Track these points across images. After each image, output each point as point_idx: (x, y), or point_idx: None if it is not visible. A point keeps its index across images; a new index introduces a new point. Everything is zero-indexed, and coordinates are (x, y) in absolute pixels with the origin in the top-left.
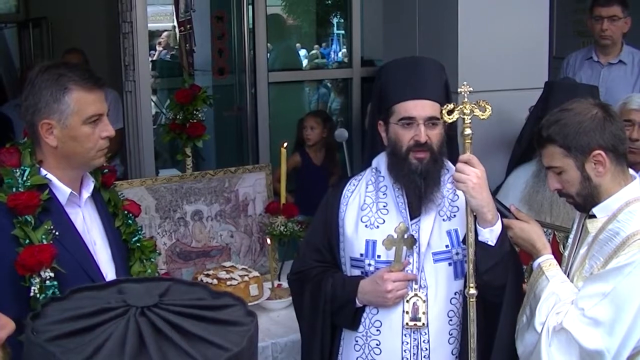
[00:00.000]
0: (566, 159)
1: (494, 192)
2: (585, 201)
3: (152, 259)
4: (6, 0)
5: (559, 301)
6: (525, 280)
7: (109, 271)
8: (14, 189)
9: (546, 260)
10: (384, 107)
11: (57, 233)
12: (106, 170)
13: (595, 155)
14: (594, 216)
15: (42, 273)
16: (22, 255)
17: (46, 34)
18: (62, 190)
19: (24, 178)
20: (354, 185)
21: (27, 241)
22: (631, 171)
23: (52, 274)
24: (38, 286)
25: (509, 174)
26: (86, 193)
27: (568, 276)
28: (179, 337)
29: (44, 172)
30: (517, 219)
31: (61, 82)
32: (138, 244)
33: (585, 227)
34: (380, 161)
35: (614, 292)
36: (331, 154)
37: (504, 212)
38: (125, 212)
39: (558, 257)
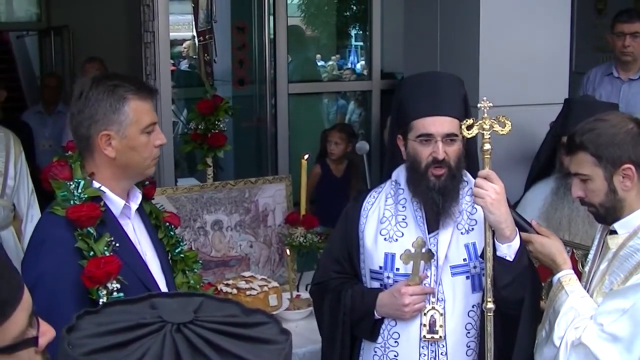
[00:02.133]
0: (595, 168)
1: (513, 208)
2: (607, 213)
3: (195, 270)
4: (27, 8)
5: (578, 316)
6: (544, 296)
7: (160, 282)
8: (71, 202)
9: (566, 275)
10: (402, 122)
11: (117, 245)
12: (147, 183)
13: (625, 169)
14: (615, 232)
15: (108, 285)
16: (88, 267)
17: (67, 42)
18: (116, 202)
19: (79, 190)
20: (373, 197)
21: (91, 253)
22: None
23: (118, 286)
24: (105, 298)
25: (527, 190)
26: (134, 205)
27: (588, 291)
28: (214, 355)
29: (96, 184)
30: (538, 233)
31: (118, 92)
32: (181, 255)
33: (606, 243)
34: (400, 174)
35: (633, 309)
36: (352, 166)
37: (525, 226)
38: (167, 223)
39: (577, 274)
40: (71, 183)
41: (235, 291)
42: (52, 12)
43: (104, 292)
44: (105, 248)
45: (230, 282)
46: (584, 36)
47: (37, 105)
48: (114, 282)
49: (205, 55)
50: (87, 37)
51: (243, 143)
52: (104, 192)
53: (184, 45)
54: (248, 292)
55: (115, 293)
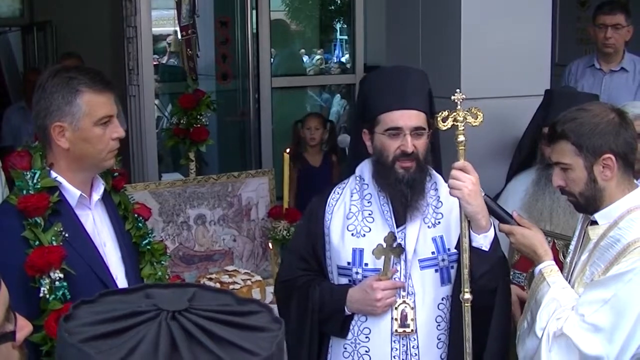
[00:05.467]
0: (576, 157)
1: (494, 199)
2: (587, 202)
3: (162, 262)
4: (10, 3)
5: (560, 307)
6: (526, 287)
7: (118, 273)
8: (24, 192)
9: (547, 267)
10: (369, 116)
11: (66, 235)
12: (116, 174)
13: (606, 158)
14: (595, 223)
15: (51, 274)
16: (31, 256)
17: (50, 37)
18: (72, 193)
19: (34, 181)
20: (338, 193)
21: (37, 243)
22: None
23: (61, 275)
24: (47, 287)
25: (508, 181)
26: (96, 195)
27: (569, 282)
28: (210, 342)
29: (54, 174)
30: (519, 225)
31: (72, 84)
32: (148, 247)
33: (587, 234)
34: (364, 169)
35: (614, 299)
36: (330, 155)
37: (506, 218)
38: (136, 215)
39: (558, 265)
40: (28, 173)
41: (218, 285)
42: (35, 8)
43: (47, 280)
44: (54, 238)
45: (213, 276)
46: (567, 28)
47: (21, 102)
48: (57, 271)
49: (188, 50)
50: (70, 32)
51: (227, 137)
52: (60, 183)
53: (168, 39)
54: (231, 286)
55: (57, 282)
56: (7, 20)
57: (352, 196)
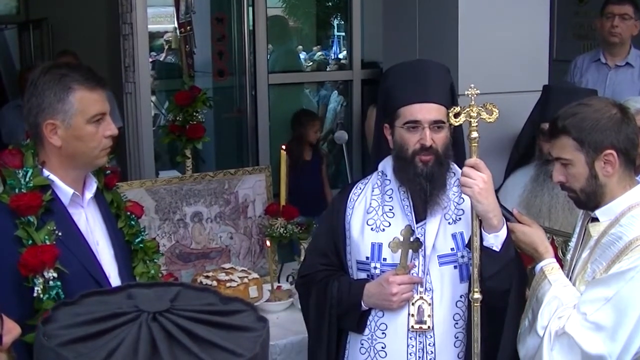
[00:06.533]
0: (577, 152)
1: None
2: (588, 199)
3: (155, 260)
4: (7, 1)
5: (561, 305)
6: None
7: (111, 271)
8: (17, 190)
9: (548, 264)
10: (389, 110)
11: (60, 234)
12: (108, 172)
13: (607, 154)
14: (596, 219)
15: (45, 273)
16: (24, 255)
17: (46, 35)
18: (65, 191)
19: (27, 179)
20: (360, 189)
21: (30, 242)
22: None
23: (55, 274)
24: (41, 287)
25: (506, 178)
26: (89, 194)
27: (570, 280)
28: (191, 343)
29: (46, 173)
30: (519, 222)
31: (64, 82)
32: (141, 245)
33: (588, 231)
34: (387, 165)
35: (616, 297)
36: (316, 147)
37: (506, 215)
38: (128, 213)
39: (557, 261)
40: (20, 171)
41: (215, 283)
42: (31, 5)
43: (40, 280)
44: (47, 237)
45: (210, 274)
46: (566, 24)
47: (17, 99)
48: (51, 270)
49: (186, 46)
50: (66, 30)
51: (224, 134)
52: (53, 181)
53: (165, 37)
54: (228, 284)
55: (51, 282)
56: (3, 18)
57: (373, 191)
